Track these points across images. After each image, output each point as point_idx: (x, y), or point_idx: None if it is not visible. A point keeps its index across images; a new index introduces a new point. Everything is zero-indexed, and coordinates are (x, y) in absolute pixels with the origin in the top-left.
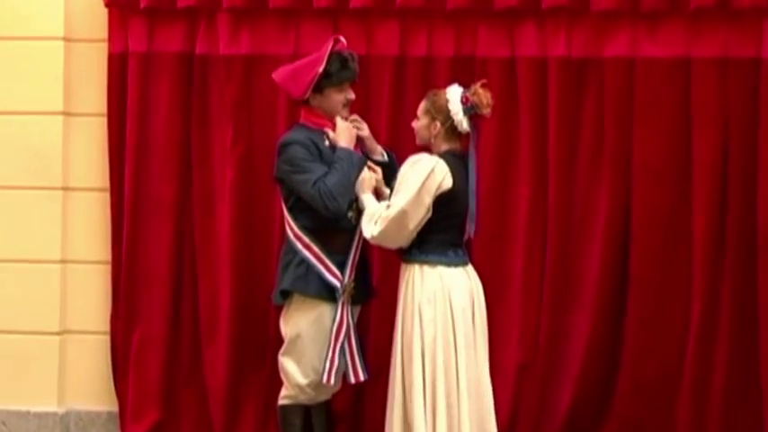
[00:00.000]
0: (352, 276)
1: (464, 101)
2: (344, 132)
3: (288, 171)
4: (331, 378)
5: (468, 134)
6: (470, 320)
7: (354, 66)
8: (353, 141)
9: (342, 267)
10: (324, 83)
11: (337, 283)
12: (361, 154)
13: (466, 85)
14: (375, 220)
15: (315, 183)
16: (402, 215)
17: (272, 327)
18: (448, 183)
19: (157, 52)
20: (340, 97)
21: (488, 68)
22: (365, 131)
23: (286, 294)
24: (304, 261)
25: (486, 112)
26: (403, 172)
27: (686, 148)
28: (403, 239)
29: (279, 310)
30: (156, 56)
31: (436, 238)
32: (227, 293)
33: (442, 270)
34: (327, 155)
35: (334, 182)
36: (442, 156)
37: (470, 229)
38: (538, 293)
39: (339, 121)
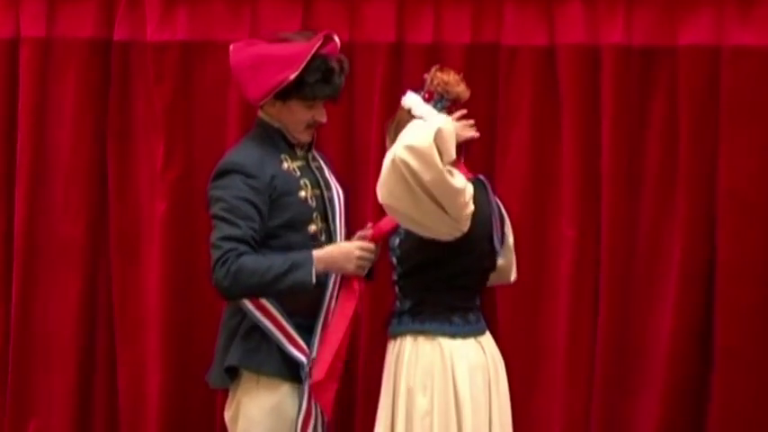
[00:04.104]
0: None
1: (427, 97)
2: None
3: (211, 203)
4: None
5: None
6: (485, 411)
7: (340, 81)
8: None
9: (308, 336)
10: (292, 92)
11: (303, 359)
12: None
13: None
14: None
15: (226, 239)
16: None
17: (218, 419)
18: None
19: (61, 38)
20: (306, 116)
21: (518, 59)
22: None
23: (233, 373)
24: (257, 328)
25: (462, 90)
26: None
27: None
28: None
29: (226, 396)
30: (59, 43)
31: (435, 300)
32: (156, 373)
33: (443, 343)
34: (283, 182)
35: (250, 267)
36: None
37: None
38: (587, 371)
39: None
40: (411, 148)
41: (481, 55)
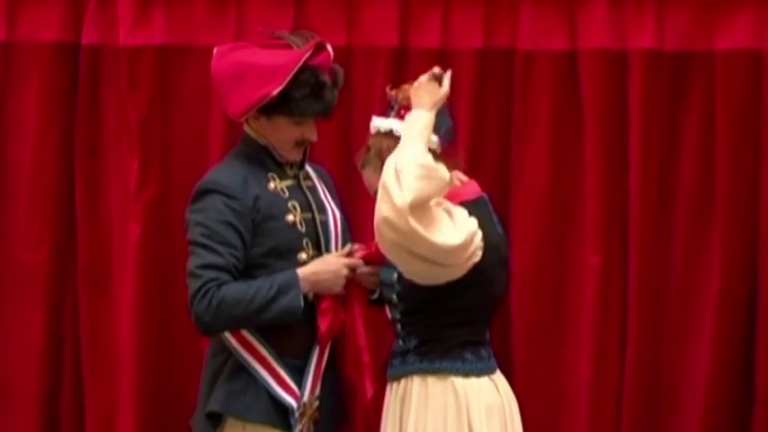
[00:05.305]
0: (316, 392)
1: (403, 113)
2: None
3: (189, 227)
4: None
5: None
6: None
7: (332, 96)
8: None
9: (299, 378)
10: (277, 108)
11: (293, 403)
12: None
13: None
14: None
15: (206, 268)
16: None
17: None
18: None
19: (23, 42)
20: (293, 133)
21: (535, 65)
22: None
23: (216, 420)
24: (243, 368)
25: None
26: None
27: None
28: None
29: None
30: (21, 47)
31: (446, 336)
32: (128, 418)
33: (456, 383)
34: (268, 204)
35: (234, 296)
36: None
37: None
38: (614, 416)
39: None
40: (387, 222)
41: (494, 61)
